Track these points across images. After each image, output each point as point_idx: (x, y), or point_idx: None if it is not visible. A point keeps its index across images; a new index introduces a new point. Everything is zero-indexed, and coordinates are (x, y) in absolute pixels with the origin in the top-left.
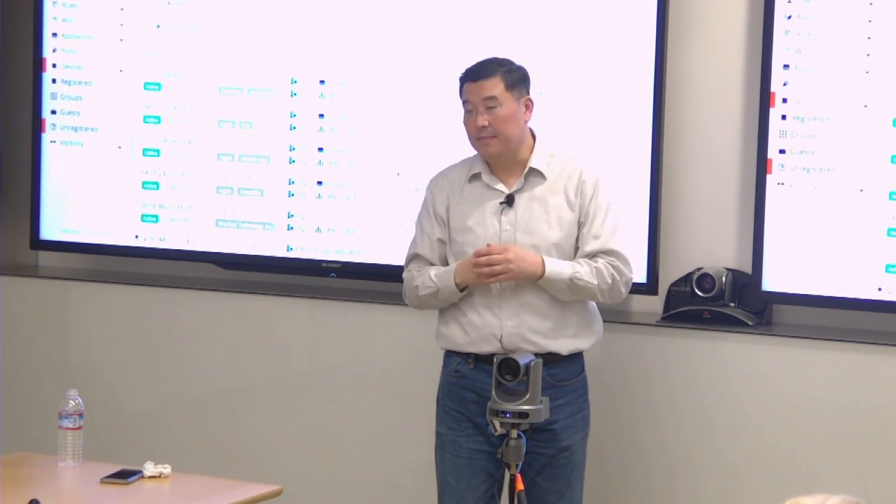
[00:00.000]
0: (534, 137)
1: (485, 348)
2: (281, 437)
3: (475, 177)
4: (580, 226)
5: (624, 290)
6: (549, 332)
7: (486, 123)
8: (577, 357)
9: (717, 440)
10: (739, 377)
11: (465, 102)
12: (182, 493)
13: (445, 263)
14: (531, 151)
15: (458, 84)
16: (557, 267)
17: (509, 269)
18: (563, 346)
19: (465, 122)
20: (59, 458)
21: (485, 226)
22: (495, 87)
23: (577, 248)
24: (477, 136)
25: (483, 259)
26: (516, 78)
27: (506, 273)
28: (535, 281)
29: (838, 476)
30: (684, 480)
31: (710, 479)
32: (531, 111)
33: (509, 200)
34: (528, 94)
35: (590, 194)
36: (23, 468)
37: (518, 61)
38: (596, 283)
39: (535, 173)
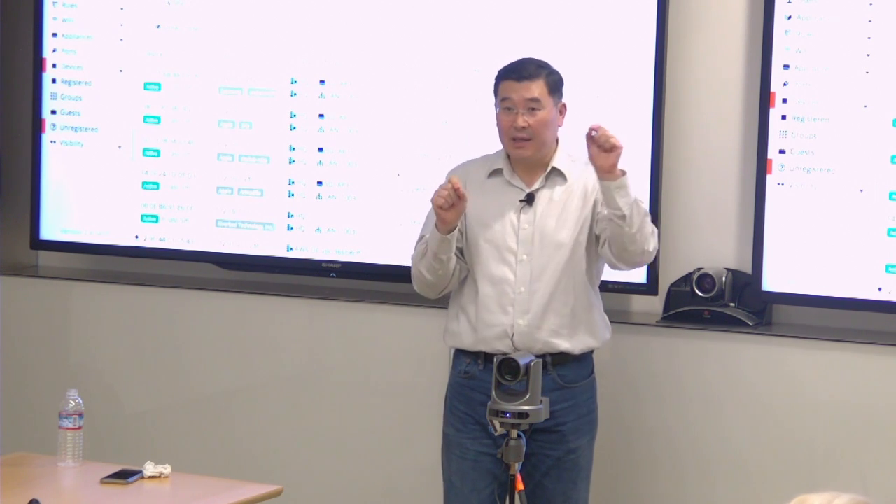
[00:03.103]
0: (557, 141)
1: (495, 346)
2: (281, 437)
3: (496, 172)
4: (597, 203)
5: (653, 241)
6: (561, 331)
7: (527, 124)
8: (586, 359)
9: (717, 440)
10: (739, 377)
11: (503, 100)
12: (182, 493)
13: (458, 251)
14: (554, 153)
15: (460, 83)
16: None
17: (614, 143)
18: (575, 344)
19: (500, 121)
20: (59, 458)
21: (503, 221)
22: (539, 89)
23: (593, 244)
24: (512, 135)
25: (602, 130)
26: (556, 81)
27: (618, 147)
28: (614, 180)
29: (839, 476)
30: (684, 480)
31: (710, 479)
32: (564, 116)
33: (529, 199)
34: (563, 98)
35: None
36: (23, 468)
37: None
38: (646, 213)
39: (557, 173)
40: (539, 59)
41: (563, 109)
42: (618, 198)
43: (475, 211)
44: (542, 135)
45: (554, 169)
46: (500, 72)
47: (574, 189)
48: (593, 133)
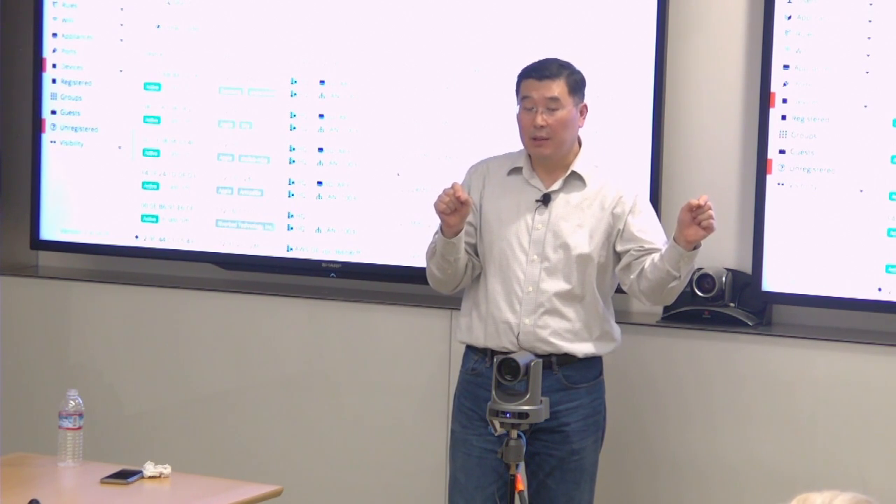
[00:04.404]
0: (580, 144)
1: (501, 343)
2: (281, 437)
3: (516, 170)
4: (626, 224)
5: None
6: (567, 335)
7: (545, 123)
8: (594, 360)
9: (718, 440)
10: (739, 377)
11: (524, 99)
12: (182, 493)
13: (472, 248)
14: (576, 156)
15: (460, 83)
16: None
17: (712, 225)
18: (580, 349)
19: (521, 119)
20: (59, 458)
21: (517, 220)
22: (559, 88)
23: (609, 256)
24: (532, 135)
25: (706, 204)
26: (578, 82)
27: (712, 230)
28: (689, 250)
29: (838, 476)
30: (685, 480)
31: (711, 479)
32: (585, 117)
33: (545, 199)
34: (584, 99)
35: (630, 204)
36: (23, 468)
37: (515, 62)
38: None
39: (576, 177)
40: (562, 59)
41: (583, 110)
42: (682, 265)
43: (492, 207)
44: (561, 134)
45: (573, 172)
46: (522, 71)
47: (592, 197)
48: (699, 203)
